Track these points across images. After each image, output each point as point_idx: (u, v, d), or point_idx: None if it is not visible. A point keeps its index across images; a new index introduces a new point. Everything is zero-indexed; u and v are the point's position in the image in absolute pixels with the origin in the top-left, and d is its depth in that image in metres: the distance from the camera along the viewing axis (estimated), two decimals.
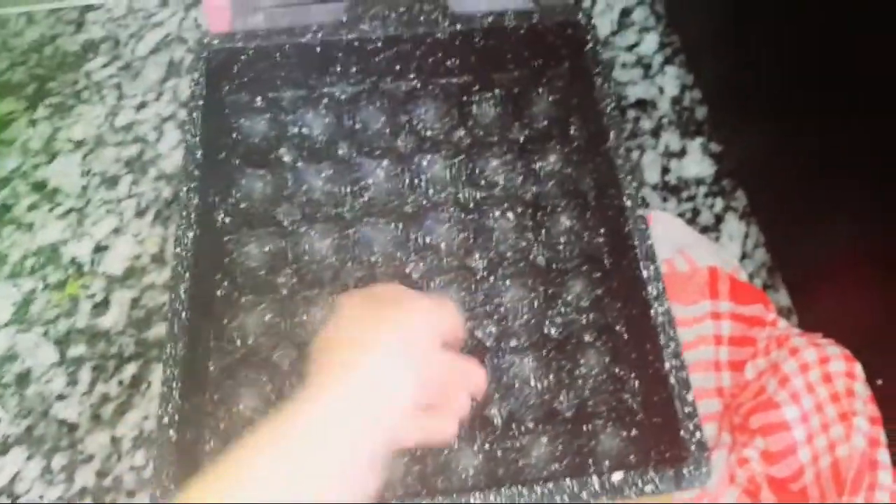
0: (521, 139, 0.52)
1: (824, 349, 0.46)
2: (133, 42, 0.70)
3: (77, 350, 0.53)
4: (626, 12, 0.71)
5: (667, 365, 0.39)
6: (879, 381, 0.46)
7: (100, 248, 0.58)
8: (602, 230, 0.48)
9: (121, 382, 0.52)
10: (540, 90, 0.54)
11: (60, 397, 0.51)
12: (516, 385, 0.44)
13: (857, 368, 0.46)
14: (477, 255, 0.47)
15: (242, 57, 0.50)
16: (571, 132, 0.52)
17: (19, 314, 0.55)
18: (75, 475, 0.49)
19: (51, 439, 0.50)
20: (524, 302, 0.46)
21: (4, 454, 0.49)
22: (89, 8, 0.72)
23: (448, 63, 0.52)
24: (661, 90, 0.66)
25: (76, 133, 0.64)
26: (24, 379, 0.52)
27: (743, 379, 0.49)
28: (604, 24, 0.71)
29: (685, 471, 0.37)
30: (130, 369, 0.52)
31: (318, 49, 0.50)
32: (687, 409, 0.38)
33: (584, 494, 0.36)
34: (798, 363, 0.46)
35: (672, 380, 0.39)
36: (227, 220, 0.48)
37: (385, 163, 0.50)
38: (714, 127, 0.64)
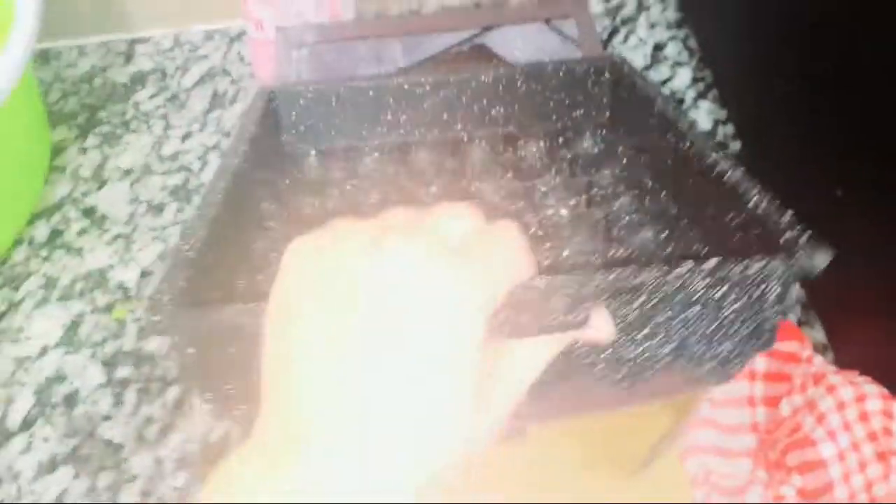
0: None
1: (861, 387, 0.46)
2: (179, 74, 0.72)
3: (123, 372, 0.55)
4: (658, 47, 0.72)
5: None
6: None
7: (146, 274, 0.60)
8: None
9: (164, 404, 0.53)
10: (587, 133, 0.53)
11: (106, 418, 0.53)
12: None
13: (895, 407, 0.46)
14: None
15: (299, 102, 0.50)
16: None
17: (68, 336, 0.57)
18: (120, 494, 0.50)
19: (97, 459, 0.51)
20: None
21: (52, 472, 0.51)
22: (138, 41, 0.75)
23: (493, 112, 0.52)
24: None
25: (124, 161, 0.66)
26: (71, 399, 0.54)
27: (778, 415, 0.49)
28: (637, 59, 0.72)
29: None
30: (174, 392, 0.54)
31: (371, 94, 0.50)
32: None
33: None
34: (835, 401, 0.46)
35: None
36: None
37: None
38: (748, 162, 0.65)
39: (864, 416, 0.45)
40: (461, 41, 0.62)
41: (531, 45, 0.61)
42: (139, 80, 0.72)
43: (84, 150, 0.67)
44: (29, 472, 0.51)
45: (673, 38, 0.73)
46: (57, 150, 0.67)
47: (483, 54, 0.62)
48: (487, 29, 0.63)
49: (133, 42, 0.75)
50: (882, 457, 0.44)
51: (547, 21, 0.63)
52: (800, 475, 0.44)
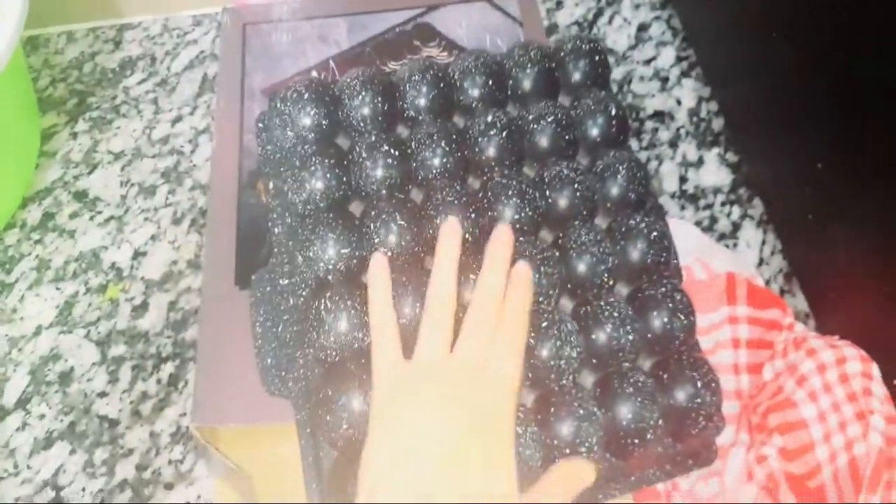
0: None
1: (841, 350, 0.48)
2: (168, 59, 0.73)
3: (117, 350, 0.55)
4: (642, 27, 0.73)
5: None
6: None
7: (138, 254, 0.60)
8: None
9: (159, 381, 0.54)
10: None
11: (102, 395, 0.54)
12: None
13: (874, 369, 0.47)
14: None
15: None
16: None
17: (62, 316, 0.57)
18: (116, 468, 0.51)
19: (92, 434, 0.52)
20: None
21: (48, 448, 0.52)
22: (127, 27, 0.76)
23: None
24: (679, 102, 0.68)
25: (115, 145, 0.67)
26: (66, 377, 0.54)
27: (761, 380, 0.50)
28: (621, 39, 0.73)
29: None
30: (168, 369, 0.54)
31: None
32: None
33: None
34: (815, 363, 0.47)
35: None
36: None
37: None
38: (730, 137, 0.66)
39: (844, 378, 0.46)
40: (405, 20, 0.63)
41: (475, 23, 0.62)
42: (128, 65, 0.73)
43: (74, 135, 0.68)
44: (25, 448, 0.51)
45: (657, 18, 0.74)
46: (47, 136, 0.68)
47: (427, 33, 0.63)
48: (432, 8, 0.64)
49: (122, 28, 0.75)
50: (861, 416, 0.45)
51: (490, 0, 0.64)
52: (781, 435, 0.45)
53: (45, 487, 0.50)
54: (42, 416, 0.53)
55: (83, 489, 0.50)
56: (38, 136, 0.67)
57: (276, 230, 0.46)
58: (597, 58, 0.52)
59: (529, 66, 0.50)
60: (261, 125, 0.49)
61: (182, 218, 0.62)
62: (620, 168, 0.48)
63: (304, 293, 0.42)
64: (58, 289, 0.58)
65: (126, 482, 0.50)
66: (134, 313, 0.57)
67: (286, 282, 0.44)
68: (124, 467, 0.51)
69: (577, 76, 0.51)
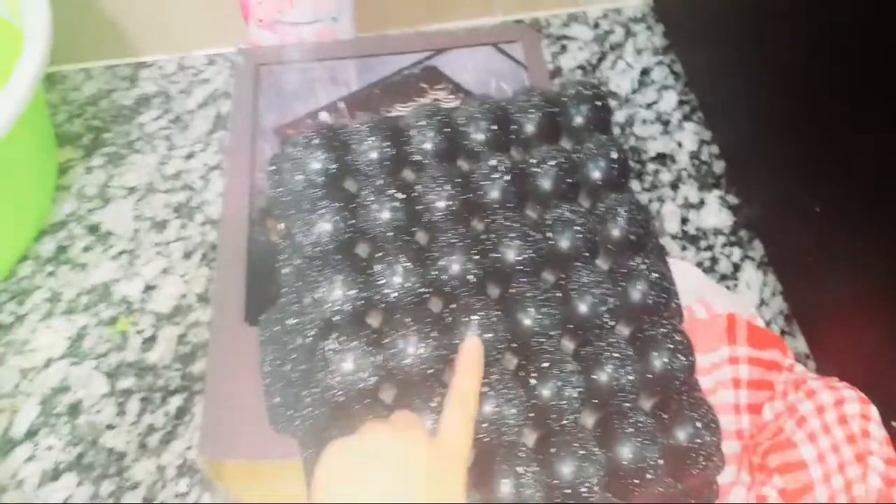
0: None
1: (840, 391, 0.48)
2: (183, 97, 0.75)
3: (126, 383, 0.56)
4: (645, 72, 0.75)
5: None
6: (895, 423, 0.48)
7: (149, 288, 0.61)
8: None
9: (167, 414, 0.55)
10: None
11: (110, 427, 0.54)
12: None
13: (873, 410, 0.48)
14: None
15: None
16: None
17: (73, 348, 0.58)
18: (122, 501, 0.51)
19: (100, 466, 0.53)
20: None
21: (56, 479, 0.52)
22: (143, 65, 0.78)
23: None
24: (680, 145, 0.70)
25: (129, 180, 0.69)
26: (75, 409, 0.55)
27: (761, 421, 0.50)
28: (624, 83, 0.75)
29: None
30: (176, 401, 0.55)
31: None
32: None
33: None
34: (814, 405, 0.48)
35: None
36: None
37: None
38: (731, 180, 0.67)
39: (843, 419, 0.47)
40: (412, 63, 0.65)
41: (480, 67, 0.64)
42: (144, 102, 0.75)
43: (90, 170, 0.70)
44: (34, 479, 0.52)
45: (659, 62, 0.76)
46: (63, 170, 0.69)
47: (433, 76, 0.65)
48: (439, 52, 0.66)
49: (138, 66, 0.78)
50: (860, 458, 0.46)
51: (496, 45, 0.66)
52: (780, 476, 0.46)
53: None
54: (51, 448, 0.53)
55: None
56: (55, 171, 0.68)
57: (285, 270, 0.47)
58: (598, 102, 0.53)
59: (532, 111, 0.52)
60: (272, 168, 0.50)
61: (193, 252, 0.63)
62: (621, 210, 0.49)
63: (311, 333, 0.43)
64: (69, 321, 0.60)
65: None
66: (143, 346, 0.58)
67: (294, 321, 0.45)
68: (130, 500, 0.51)
69: (578, 120, 0.53)
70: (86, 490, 0.52)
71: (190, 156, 0.70)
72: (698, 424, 0.43)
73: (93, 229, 0.65)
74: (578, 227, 0.48)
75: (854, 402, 0.48)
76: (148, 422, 0.54)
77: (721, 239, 0.64)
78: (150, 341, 0.58)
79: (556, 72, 0.76)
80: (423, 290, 0.45)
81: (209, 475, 0.43)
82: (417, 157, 0.50)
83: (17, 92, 0.55)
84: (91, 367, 0.57)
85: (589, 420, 0.45)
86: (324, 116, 0.63)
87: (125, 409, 0.55)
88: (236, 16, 0.68)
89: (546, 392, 0.43)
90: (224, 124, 0.72)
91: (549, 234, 0.48)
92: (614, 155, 0.51)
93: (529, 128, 0.52)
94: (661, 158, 0.69)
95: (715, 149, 0.69)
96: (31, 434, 0.54)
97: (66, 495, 0.51)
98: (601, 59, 0.77)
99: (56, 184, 0.68)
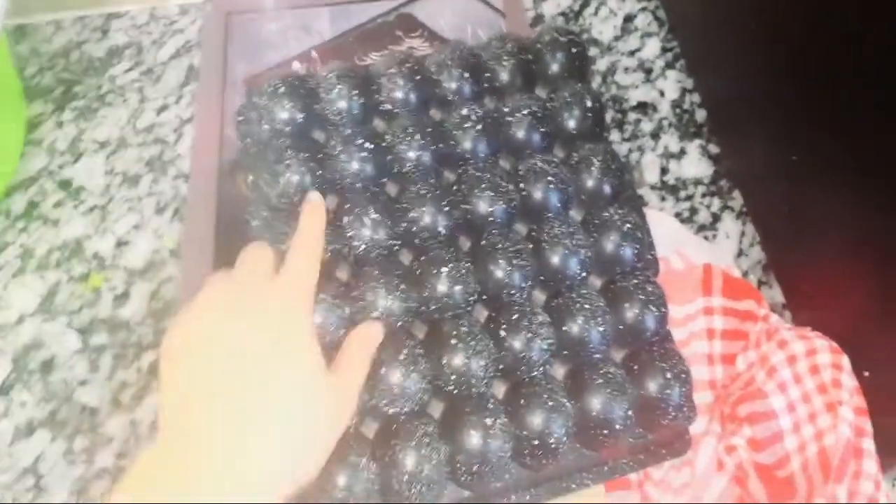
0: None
1: (812, 341, 0.48)
2: (155, 48, 0.73)
3: (99, 339, 0.56)
4: (628, 18, 0.73)
5: None
6: (867, 373, 0.48)
7: (121, 243, 0.61)
8: None
9: (139, 370, 0.54)
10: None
11: (83, 383, 0.54)
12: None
13: (844, 360, 0.48)
14: None
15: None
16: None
17: (45, 305, 0.58)
18: (95, 456, 0.51)
19: (73, 422, 0.53)
20: None
21: (29, 436, 0.52)
22: (114, 16, 0.75)
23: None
24: (662, 93, 0.68)
25: (100, 134, 0.67)
26: (48, 365, 0.55)
27: (734, 371, 0.50)
28: (607, 30, 0.73)
29: None
30: (148, 357, 0.55)
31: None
32: None
33: None
34: (786, 355, 0.47)
35: None
36: None
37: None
38: (713, 129, 0.66)
39: (814, 369, 0.47)
40: (387, 10, 0.63)
41: (457, 14, 0.62)
42: (115, 54, 0.73)
43: (60, 124, 0.68)
44: (6, 435, 0.52)
45: (643, 9, 0.74)
46: (33, 125, 0.68)
47: (409, 23, 0.63)
48: None
49: (109, 17, 0.75)
50: (831, 407, 0.46)
51: None
52: (750, 426, 0.46)
53: (25, 475, 0.51)
54: (23, 404, 0.53)
55: (62, 477, 0.51)
56: (24, 125, 0.67)
57: (254, 223, 0.46)
58: (574, 49, 0.52)
59: (506, 58, 0.51)
60: (240, 119, 0.49)
61: (165, 207, 0.62)
62: (595, 160, 0.48)
63: None
64: (41, 278, 0.59)
65: (105, 470, 0.51)
66: (116, 302, 0.57)
67: None
68: (104, 455, 0.51)
69: (554, 68, 0.51)
70: (59, 445, 0.52)
71: (163, 109, 0.69)
72: (668, 375, 0.43)
73: (64, 184, 0.64)
74: (551, 178, 0.47)
75: (825, 351, 0.47)
76: (121, 378, 0.54)
77: (701, 189, 0.63)
78: (122, 297, 0.58)
79: (538, 19, 0.74)
80: (392, 242, 0.44)
81: None
82: (388, 107, 0.49)
83: None
84: (63, 323, 0.57)
85: (559, 372, 0.45)
86: (296, 66, 0.61)
87: (98, 366, 0.55)
88: None
89: (516, 344, 0.42)
90: (197, 76, 0.70)
91: (522, 185, 0.47)
92: (589, 103, 0.50)
93: (503, 76, 0.51)
94: (643, 107, 0.68)
95: (697, 97, 0.68)
96: (3, 391, 0.54)
97: (39, 451, 0.51)
98: (584, 5, 0.75)
99: (26, 139, 0.67)
